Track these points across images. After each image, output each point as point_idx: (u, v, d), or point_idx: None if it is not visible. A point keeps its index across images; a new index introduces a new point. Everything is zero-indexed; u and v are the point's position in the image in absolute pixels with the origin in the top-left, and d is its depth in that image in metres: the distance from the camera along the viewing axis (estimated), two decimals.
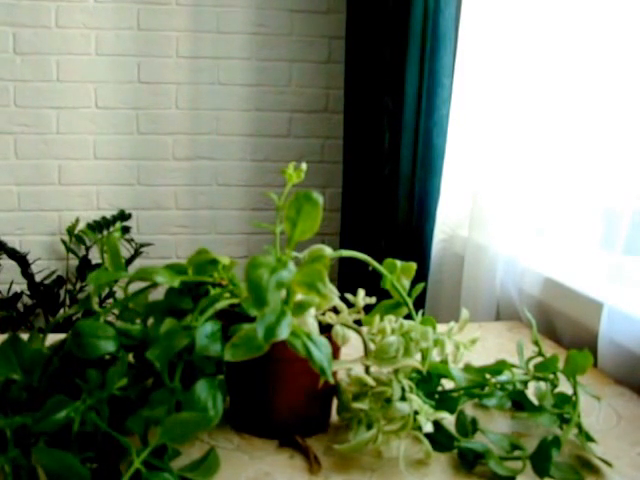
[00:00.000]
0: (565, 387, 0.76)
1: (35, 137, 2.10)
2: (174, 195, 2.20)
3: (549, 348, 1.04)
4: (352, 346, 0.73)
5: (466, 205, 1.42)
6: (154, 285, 0.70)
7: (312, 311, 0.70)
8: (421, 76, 1.51)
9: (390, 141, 1.63)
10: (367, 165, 1.77)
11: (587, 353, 0.74)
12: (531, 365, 0.79)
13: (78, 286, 2.12)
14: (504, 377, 0.80)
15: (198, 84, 2.14)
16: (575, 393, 0.74)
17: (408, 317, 0.77)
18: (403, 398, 0.68)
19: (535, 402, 0.78)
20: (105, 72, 2.09)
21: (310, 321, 0.69)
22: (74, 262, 2.14)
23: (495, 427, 0.76)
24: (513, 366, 0.80)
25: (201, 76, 2.14)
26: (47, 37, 2.04)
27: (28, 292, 2.08)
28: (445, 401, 0.75)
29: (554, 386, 0.77)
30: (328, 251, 0.71)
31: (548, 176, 1.21)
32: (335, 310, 0.74)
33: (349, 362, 0.72)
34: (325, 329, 0.71)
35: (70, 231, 2.11)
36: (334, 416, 0.75)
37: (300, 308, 0.65)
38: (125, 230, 2.12)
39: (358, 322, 0.74)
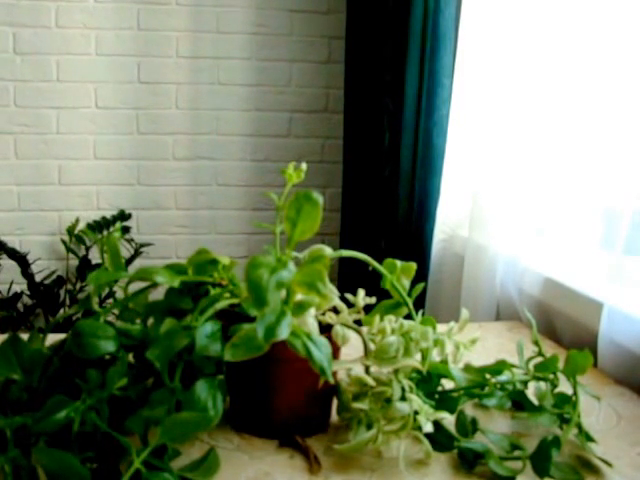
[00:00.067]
0: (565, 387, 0.76)
1: (35, 137, 2.10)
2: (174, 195, 2.20)
3: (549, 348, 1.04)
4: (352, 346, 0.73)
5: (466, 205, 1.42)
6: (154, 285, 0.70)
7: (312, 311, 0.70)
8: (421, 76, 1.51)
9: (390, 141, 1.63)
10: (367, 165, 1.77)
11: (587, 353, 0.74)
12: (531, 365, 0.79)
13: (78, 286, 2.12)
14: (504, 377, 0.80)
15: (198, 84, 2.14)
16: (575, 393, 0.74)
17: (408, 317, 0.77)
18: (403, 398, 0.68)
19: (535, 402, 0.78)
20: (105, 72, 2.09)
21: (310, 321, 0.69)
22: (74, 262, 2.14)
23: (495, 427, 0.76)
24: (513, 366, 0.80)
25: (201, 76, 2.14)
26: (47, 37, 2.04)
27: (28, 292, 2.08)
28: (445, 401, 0.75)
29: (554, 386, 0.77)
30: (328, 251, 0.71)
31: (548, 176, 1.20)
32: (335, 310, 0.74)
33: (349, 362, 0.72)
34: (325, 329, 0.71)
35: (70, 231, 2.11)
36: (334, 416, 0.75)
37: (300, 308, 0.65)
38: (125, 230, 2.12)
39: (358, 322, 0.74)
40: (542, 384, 0.79)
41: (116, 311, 0.76)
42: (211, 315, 0.66)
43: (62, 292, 2.12)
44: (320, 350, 0.61)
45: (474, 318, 1.09)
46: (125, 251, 2.09)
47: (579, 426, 0.72)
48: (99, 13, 2.05)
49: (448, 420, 0.70)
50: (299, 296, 0.65)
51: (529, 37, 1.21)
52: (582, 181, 1.16)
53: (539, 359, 0.79)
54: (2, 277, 2.11)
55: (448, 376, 0.76)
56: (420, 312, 0.78)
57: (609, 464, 0.69)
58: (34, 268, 2.10)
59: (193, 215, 2.22)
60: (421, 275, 1.08)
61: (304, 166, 0.70)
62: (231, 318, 0.69)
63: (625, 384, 0.92)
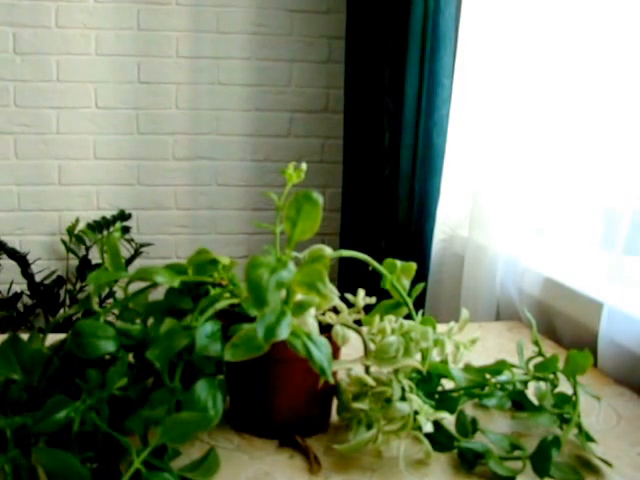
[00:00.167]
0: (565, 387, 0.76)
1: (35, 137, 2.10)
2: (174, 195, 2.20)
3: (549, 348, 1.04)
4: (352, 346, 0.73)
5: (466, 205, 1.42)
6: (154, 285, 0.70)
7: (312, 311, 0.70)
8: (421, 76, 1.51)
9: (390, 141, 1.63)
10: (367, 165, 1.77)
11: (587, 353, 0.74)
12: (531, 365, 0.79)
13: (78, 286, 2.12)
14: (504, 377, 0.80)
15: (198, 84, 2.14)
16: (575, 393, 0.74)
17: (408, 317, 0.77)
18: (403, 398, 0.68)
19: (535, 402, 0.78)
20: (105, 72, 2.09)
21: (310, 321, 0.69)
22: (74, 262, 2.14)
23: (495, 427, 0.76)
24: (513, 366, 0.80)
25: (201, 76, 2.14)
26: (47, 37, 2.04)
27: (28, 292, 2.08)
28: (445, 401, 0.75)
29: (554, 386, 0.77)
30: (328, 251, 0.71)
31: (548, 176, 1.20)
32: (335, 310, 0.74)
33: (349, 362, 0.72)
34: (325, 329, 0.71)
35: (70, 231, 2.11)
36: (334, 416, 0.75)
37: (300, 308, 0.65)
38: (125, 230, 2.12)
39: (358, 322, 0.74)
40: (542, 384, 0.79)
41: (116, 311, 0.76)
42: (211, 315, 0.66)
43: (62, 292, 2.12)
44: (320, 350, 0.61)
45: (474, 318, 1.09)
46: (125, 251, 2.09)
47: (579, 426, 0.72)
48: (99, 13, 2.05)
49: (448, 420, 0.70)
50: (299, 296, 0.65)
51: (529, 37, 1.21)
52: (582, 181, 1.16)
53: (539, 359, 0.79)
54: (2, 277, 2.11)
55: (448, 376, 0.76)
56: (420, 312, 0.78)
57: (609, 464, 0.69)
58: (34, 268, 2.10)
59: (193, 215, 2.22)
60: (421, 275, 1.08)
61: (304, 166, 0.70)
62: (231, 318, 0.69)
63: (625, 384, 0.92)
